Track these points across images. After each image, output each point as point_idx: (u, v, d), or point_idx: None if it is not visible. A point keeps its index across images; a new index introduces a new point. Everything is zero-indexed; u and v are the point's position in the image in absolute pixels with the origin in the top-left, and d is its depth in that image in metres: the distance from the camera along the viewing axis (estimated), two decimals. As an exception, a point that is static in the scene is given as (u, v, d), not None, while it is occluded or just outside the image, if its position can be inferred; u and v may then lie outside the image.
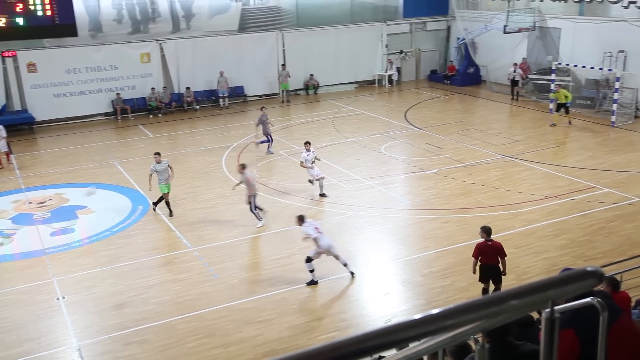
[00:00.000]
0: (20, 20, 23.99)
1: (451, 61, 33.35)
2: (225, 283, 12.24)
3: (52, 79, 26.57)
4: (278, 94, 30.55)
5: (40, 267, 13.41)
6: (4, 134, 20.60)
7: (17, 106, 26.30)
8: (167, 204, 15.82)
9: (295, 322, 10.73)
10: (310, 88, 31.44)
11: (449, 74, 32.64)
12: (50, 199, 17.45)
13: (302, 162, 16.92)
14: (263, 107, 22.22)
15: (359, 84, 32.75)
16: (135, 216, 16.10)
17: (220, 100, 29.20)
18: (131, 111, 27.80)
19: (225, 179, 18.61)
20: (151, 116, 27.96)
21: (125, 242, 14.62)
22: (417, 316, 1.77)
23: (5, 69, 25.82)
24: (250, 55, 30.04)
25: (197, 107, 28.99)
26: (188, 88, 28.75)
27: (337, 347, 1.70)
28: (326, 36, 31.41)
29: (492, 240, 10.62)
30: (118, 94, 27.60)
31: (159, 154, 15.96)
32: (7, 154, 20.82)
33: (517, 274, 11.87)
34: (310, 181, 17.22)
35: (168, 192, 15.78)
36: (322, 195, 16.79)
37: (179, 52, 28.80)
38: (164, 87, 28.54)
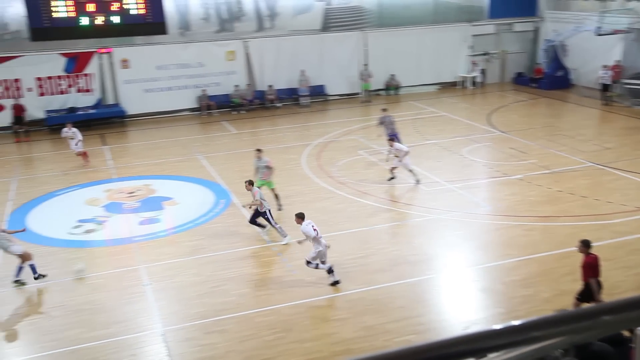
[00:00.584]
0: (115, 19, 25.14)
1: (538, 63, 32.34)
2: (303, 279, 12.39)
3: (143, 75, 27.72)
4: (359, 93, 30.60)
5: (128, 254, 14.03)
6: (79, 136, 20.82)
7: (110, 100, 27.63)
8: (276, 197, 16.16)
9: (371, 323, 10.74)
10: (392, 88, 31.29)
11: (536, 76, 31.67)
12: (139, 190, 18.22)
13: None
14: (385, 108, 21.96)
15: (441, 86, 32.32)
16: (218, 209, 16.54)
17: (301, 98, 29.55)
18: (215, 107, 28.59)
19: (303, 177, 18.83)
20: (234, 112, 28.66)
21: (207, 234, 15.05)
22: (500, 325, 1.71)
23: (101, 65, 27.15)
24: (332, 54, 30.23)
25: (279, 104, 29.48)
26: (270, 86, 29.27)
27: (414, 352, 1.66)
28: (409, 36, 31.16)
29: (593, 253, 10.06)
30: (204, 90, 28.46)
31: (260, 150, 16.18)
32: (85, 154, 21.02)
33: (605, 288, 11.38)
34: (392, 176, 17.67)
35: (269, 187, 15.99)
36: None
37: (262, 50, 29.36)
38: (248, 84, 29.19)
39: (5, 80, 25.94)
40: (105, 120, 26.99)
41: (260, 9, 29.40)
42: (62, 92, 26.81)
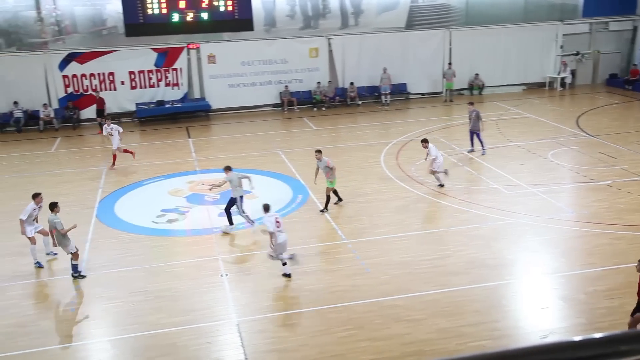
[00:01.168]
0: (204, 15, 25.88)
1: (635, 65, 30.70)
2: (377, 278, 12.33)
3: (228, 70, 28.41)
4: (441, 92, 30.11)
5: (207, 244, 14.43)
6: (120, 129, 20.61)
7: (196, 94, 28.51)
8: (330, 196, 16.14)
9: (445, 325, 10.55)
10: (475, 88, 30.60)
11: (632, 78, 30.11)
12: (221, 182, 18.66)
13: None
14: (472, 102, 21.57)
15: (528, 86, 31.30)
16: (295, 205, 16.72)
17: (383, 96, 29.40)
18: (297, 103, 28.90)
19: (381, 175, 18.73)
20: (315, 109, 28.88)
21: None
22: (581, 337, 1.62)
23: (189, 60, 28.05)
24: (415, 52, 29.90)
25: (360, 102, 29.47)
26: (352, 83, 29.29)
27: (488, 359, 1.61)
28: (496, 35, 30.35)
29: None
30: (286, 86, 28.84)
31: (319, 151, 16.28)
32: (126, 151, 20.59)
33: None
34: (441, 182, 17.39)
35: (330, 187, 16.05)
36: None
37: (345, 48, 29.41)
38: (329, 81, 29.33)
39: (101, 74, 27.24)
40: (190, 113, 27.87)
41: (345, 7, 29.45)
42: (151, 86, 27.91)
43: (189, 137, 24.60)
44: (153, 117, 27.33)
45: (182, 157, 21.66)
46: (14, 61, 26.30)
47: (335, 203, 16.17)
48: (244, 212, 14.91)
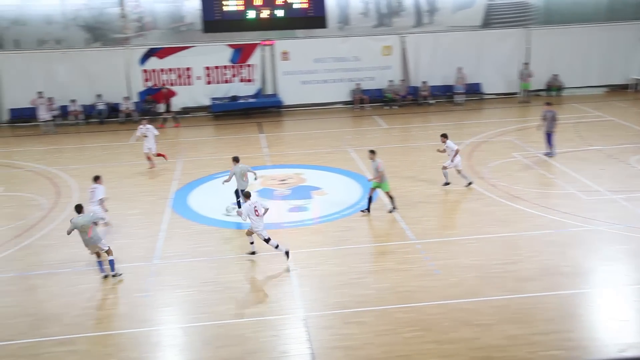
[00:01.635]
0: (279, 13, 26.18)
1: None
2: (446, 280, 12.14)
3: (301, 67, 28.65)
4: (517, 93, 29.32)
5: (276, 238, 14.53)
6: (155, 132, 20.32)
7: (269, 90, 28.90)
8: (393, 196, 16.00)
9: (515, 332, 10.27)
10: (553, 89, 29.61)
11: None
12: (291, 178, 18.89)
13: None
14: (549, 102, 21.07)
15: (610, 88, 30.04)
16: (364, 203, 16.65)
17: (456, 96, 28.90)
18: (368, 101, 28.81)
19: (454, 176, 18.41)
20: (386, 107, 28.72)
21: (351, 226, 15.25)
22: None
23: (263, 57, 28.46)
24: (491, 52, 29.23)
25: (432, 101, 29.10)
26: (424, 82, 28.95)
27: None
28: (577, 35, 29.27)
29: None
30: (358, 84, 28.81)
31: (373, 152, 16.01)
32: (160, 155, 20.37)
33: None
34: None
35: (383, 190, 15.85)
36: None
37: (419, 46, 29.09)
38: (402, 80, 29.10)
39: (179, 69, 28.04)
40: (263, 109, 28.28)
41: (420, 4, 29.12)
42: (226, 81, 28.49)
43: (261, 133, 24.96)
44: (227, 112, 27.88)
45: (253, 152, 22.00)
46: (99, 56, 27.44)
47: (390, 211, 15.87)
48: (238, 202, 16.00)
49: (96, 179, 15.02)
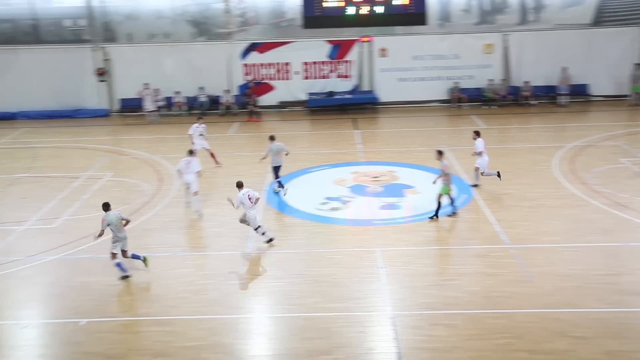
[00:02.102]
0: (379, 9, 26.06)
1: None
2: (541, 288, 11.70)
3: (398, 64, 28.44)
4: (628, 96, 27.70)
5: (367, 235, 14.63)
6: (202, 131, 20.18)
7: (366, 87, 28.89)
8: (440, 203, 15.52)
9: (615, 348, 9.75)
10: (668, 92, 27.72)
11: None
12: (384, 175, 18.82)
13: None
14: None
15: None
16: (458, 203, 16.34)
17: (560, 97, 27.71)
18: (466, 100, 28.18)
19: (553, 181, 17.72)
20: (485, 107, 27.98)
21: (444, 226, 15.02)
22: None
23: (361, 53, 28.49)
24: (600, 51, 27.76)
25: (534, 102, 28.06)
26: (527, 82, 27.95)
27: None
28: (698, 35, 27.25)
29: None
30: (456, 82, 28.25)
31: (440, 152, 15.65)
32: (212, 155, 20.26)
33: None
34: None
35: (443, 194, 15.38)
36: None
37: (522, 44, 28.10)
38: (502, 79, 28.22)
39: (278, 63, 28.60)
40: (359, 105, 28.30)
41: (526, 1, 28.11)
42: (323, 77, 28.75)
43: (356, 129, 25.02)
44: (323, 107, 28.15)
45: (348, 148, 22.10)
46: (203, 49, 28.47)
47: (449, 215, 15.40)
48: (275, 180, 17.20)
49: (191, 152, 16.54)
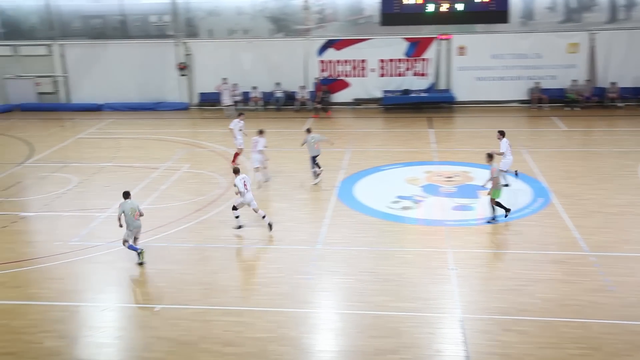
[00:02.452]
0: (459, 6, 25.60)
1: None
2: (622, 299, 11.18)
3: (477, 63, 27.85)
4: None
5: (438, 236, 14.42)
6: (242, 127, 20.01)
7: (442, 85, 28.45)
8: (496, 206, 14.99)
9: (700, 366, 9.21)
10: None
11: None
12: (458, 175, 18.49)
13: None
14: None
15: None
16: (534, 207, 15.88)
17: (650, 100, 26.40)
18: (547, 101, 27.27)
19: (638, 187, 16.88)
20: (567, 109, 26.98)
21: (519, 230, 14.61)
22: None
23: (439, 51, 28.06)
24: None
25: (620, 104, 26.82)
26: (613, 83, 26.75)
27: None
28: None
29: None
30: (537, 82, 27.39)
31: (490, 156, 15.22)
32: (236, 155, 20.11)
33: None
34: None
35: (495, 198, 14.91)
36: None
37: (611, 44, 26.91)
38: (587, 79, 27.13)
39: (354, 60, 28.59)
40: (434, 104, 27.91)
41: (616, -1, 26.94)
42: (399, 75, 28.51)
43: (431, 128, 24.69)
44: (398, 105, 27.93)
45: (421, 147, 21.84)
46: (280, 45, 28.85)
47: (488, 221, 14.96)
48: (313, 169, 18.09)
49: (260, 132, 18.18)
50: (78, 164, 20.69)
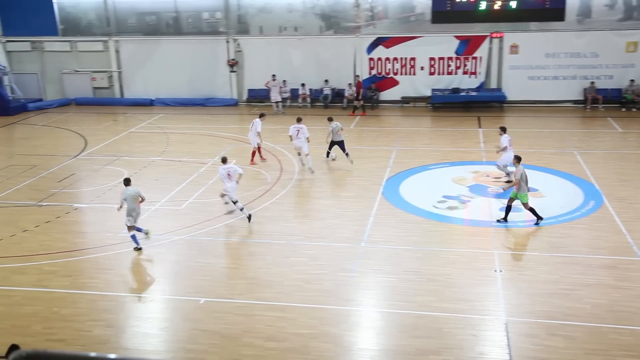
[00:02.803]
0: (512, 4, 25.10)
1: None
2: (675, 307, 10.79)
3: (530, 62, 27.28)
4: None
5: (484, 237, 14.19)
6: (258, 128, 19.92)
7: (493, 84, 27.95)
8: (532, 209, 14.58)
9: None
10: None
11: None
12: (506, 176, 18.12)
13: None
14: None
15: None
16: (585, 210, 15.47)
17: None
18: (602, 102, 26.48)
19: None
20: (624, 109, 26.16)
21: (568, 233, 14.24)
22: None
23: (490, 49, 27.58)
24: None
25: (681, 106, 25.83)
26: (674, 84, 25.79)
27: None
28: None
29: None
30: (592, 82, 26.64)
31: (518, 158, 14.82)
32: (255, 151, 20.21)
33: None
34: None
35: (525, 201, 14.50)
36: None
37: (672, 42, 25.95)
38: (646, 80, 26.24)
39: (403, 58, 28.37)
40: (484, 103, 27.47)
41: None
42: (449, 73, 28.16)
43: (480, 127, 24.31)
44: (446, 104, 27.61)
45: (469, 147, 21.54)
46: (330, 43, 28.88)
47: (536, 223, 14.57)
48: (328, 154, 19.73)
49: (299, 120, 19.25)
50: (129, 158, 21.23)
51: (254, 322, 10.85)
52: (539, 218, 14.55)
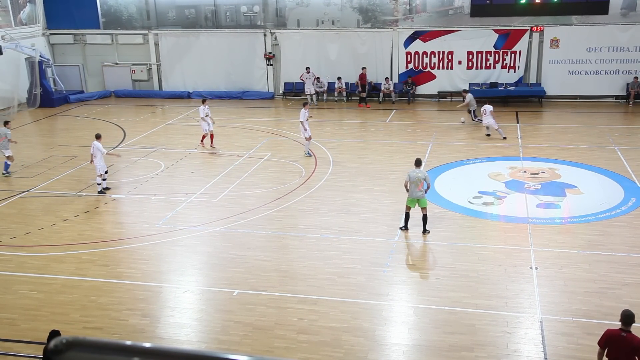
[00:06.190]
0: (554, -4, 24.60)
1: None
2: None
3: (570, 56, 26.72)
4: None
5: (520, 233, 13.98)
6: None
7: (532, 79, 27.47)
8: None
9: None
10: None
11: None
12: (544, 172, 17.85)
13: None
14: None
15: None
16: (626, 207, 15.12)
17: None
18: (646, 97, 25.81)
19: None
20: (668, 105, 25.44)
21: (608, 231, 13.94)
22: None
23: (530, 43, 27.09)
24: None
25: None
26: None
27: None
28: None
29: (629, 332, 8.00)
30: (636, 77, 25.96)
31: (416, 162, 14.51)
32: (211, 136, 21.46)
33: None
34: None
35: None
36: None
37: None
38: (692, 74, 25.44)
39: (440, 52, 28.07)
40: (523, 98, 27.03)
41: None
42: (487, 67, 27.75)
43: (518, 122, 23.93)
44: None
45: (507, 142, 21.21)
46: (367, 36, 28.74)
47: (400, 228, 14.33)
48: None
49: (305, 105, 20.24)
50: (166, 150, 21.54)
51: (286, 315, 10.92)
52: (405, 227, 14.16)
